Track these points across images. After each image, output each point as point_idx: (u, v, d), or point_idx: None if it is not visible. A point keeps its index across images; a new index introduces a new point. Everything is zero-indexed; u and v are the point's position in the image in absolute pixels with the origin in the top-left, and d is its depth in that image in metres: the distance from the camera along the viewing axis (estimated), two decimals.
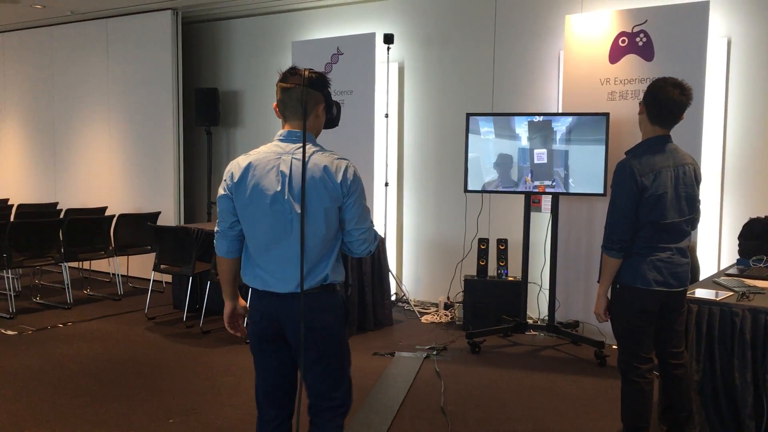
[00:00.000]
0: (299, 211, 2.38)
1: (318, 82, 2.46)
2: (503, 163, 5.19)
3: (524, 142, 5.13)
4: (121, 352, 5.12)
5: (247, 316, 2.64)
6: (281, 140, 2.48)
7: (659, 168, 2.99)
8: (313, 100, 2.46)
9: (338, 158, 2.46)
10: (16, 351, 5.10)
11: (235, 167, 2.47)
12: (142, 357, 5.01)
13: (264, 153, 2.47)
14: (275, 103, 2.53)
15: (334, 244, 2.49)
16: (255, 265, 2.50)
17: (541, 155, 5.11)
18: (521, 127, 5.13)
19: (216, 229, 2.56)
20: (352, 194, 2.44)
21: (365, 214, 2.51)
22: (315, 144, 2.50)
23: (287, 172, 2.41)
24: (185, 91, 7.89)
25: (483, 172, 5.24)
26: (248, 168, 2.44)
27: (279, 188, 2.40)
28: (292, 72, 2.46)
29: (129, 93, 8.14)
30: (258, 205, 2.43)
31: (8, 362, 4.83)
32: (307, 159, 2.39)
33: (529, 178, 5.14)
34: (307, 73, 2.44)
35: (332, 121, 2.58)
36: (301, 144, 2.40)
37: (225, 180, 2.49)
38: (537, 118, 5.12)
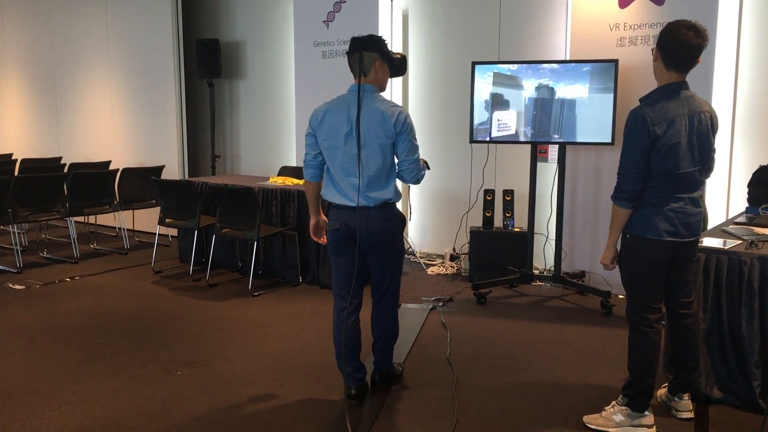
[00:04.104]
0: (361, 145, 3.20)
1: (371, 45, 3.23)
2: (499, 103, 5.12)
3: (532, 94, 5.03)
4: (129, 306, 5.15)
5: (326, 226, 3.43)
6: (351, 92, 3.26)
7: (673, 117, 2.91)
8: (369, 59, 3.23)
9: (393, 106, 3.24)
10: (24, 305, 5.14)
11: (318, 112, 3.30)
12: (150, 310, 5.04)
13: (338, 102, 3.28)
14: None
15: (392, 171, 3.29)
16: (335, 186, 3.31)
17: (504, 125, 5.09)
18: (529, 80, 5.02)
19: (304, 159, 3.39)
20: (402, 133, 3.21)
21: (414, 149, 3.27)
22: (376, 94, 3.26)
23: (354, 116, 3.19)
24: (186, 43, 7.77)
25: (492, 124, 5.16)
26: (326, 112, 3.26)
27: (348, 129, 3.20)
28: (352, 41, 3.25)
29: (129, 45, 8.02)
30: (334, 140, 3.24)
31: (17, 316, 4.86)
32: (370, 106, 3.19)
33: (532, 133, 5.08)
34: (361, 39, 3.22)
35: (396, 71, 3.37)
36: (365, 93, 3.22)
37: (310, 122, 3.31)
38: (546, 75, 4.99)
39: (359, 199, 3.22)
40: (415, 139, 3.28)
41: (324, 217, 3.53)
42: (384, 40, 3.30)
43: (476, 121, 5.20)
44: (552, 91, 4.99)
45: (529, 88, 5.04)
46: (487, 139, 5.22)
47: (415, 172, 3.30)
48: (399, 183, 3.40)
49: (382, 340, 3.54)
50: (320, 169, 3.37)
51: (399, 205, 3.52)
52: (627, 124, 2.97)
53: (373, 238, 3.26)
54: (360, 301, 3.46)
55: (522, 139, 5.13)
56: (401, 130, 3.20)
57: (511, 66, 5.09)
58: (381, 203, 3.26)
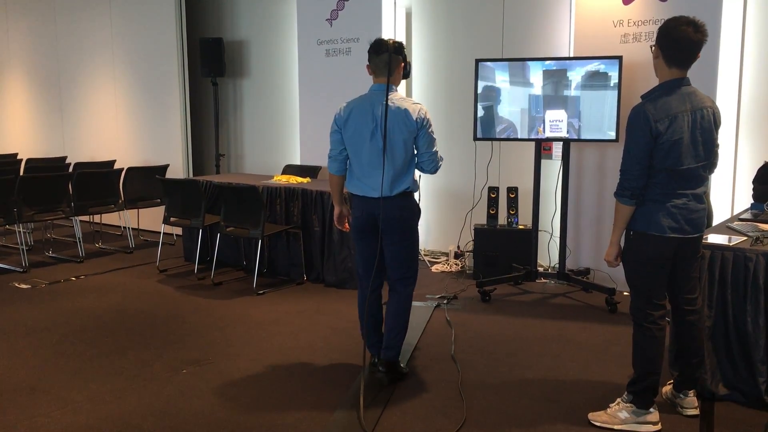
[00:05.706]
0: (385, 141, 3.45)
1: (398, 50, 3.49)
2: (515, 112, 5.10)
3: (537, 91, 5.02)
4: (134, 305, 5.16)
5: (349, 216, 3.74)
6: (374, 90, 3.52)
7: (675, 113, 2.90)
8: (396, 62, 3.48)
9: (414, 103, 3.52)
10: (29, 304, 5.16)
11: (343, 110, 3.55)
12: (155, 309, 5.05)
13: (362, 100, 3.53)
14: (368, 64, 3.53)
15: (412, 164, 3.55)
16: (357, 179, 3.57)
17: (555, 125, 5.03)
18: (535, 75, 5.01)
19: (329, 154, 3.63)
20: (422, 128, 3.48)
21: (432, 142, 3.55)
22: (396, 93, 3.51)
23: (379, 114, 3.45)
24: (190, 42, 7.77)
25: (495, 122, 5.15)
26: (352, 110, 3.52)
27: (373, 126, 3.46)
28: (380, 43, 3.48)
29: (133, 44, 8.03)
30: (359, 137, 3.49)
31: (22, 315, 4.88)
32: (393, 104, 3.43)
33: (541, 129, 5.05)
34: (391, 42, 3.47)
35: (406, 74, 3.62)
36: (388, 93, 3.46)
37: (335, 121, 3.57)
38: (552, 66, 4.99)
39: (382, 190, 3.47)
40: (433, 133, 3.55)
41: (348, 208, 3.78)
42: (404, 46, 3.59)
43: (498, 127, 5.17)
44: (558, 87, 4.97)
45: (536, 84, 5.03)
46: (491, 136, 5.21)
47: (434, 162, 3.58)
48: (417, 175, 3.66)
49: (390, 330, 3.65)
50: (345, 163, 3.63)
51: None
52: (629, 121, 2.96)
53: (388, 223, 3.51)
54: (381, 281, 3.73)
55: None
56: (422, 125, 3.48)
57: (550, 64, 5.03)
58: (400, 193, 3.51)
